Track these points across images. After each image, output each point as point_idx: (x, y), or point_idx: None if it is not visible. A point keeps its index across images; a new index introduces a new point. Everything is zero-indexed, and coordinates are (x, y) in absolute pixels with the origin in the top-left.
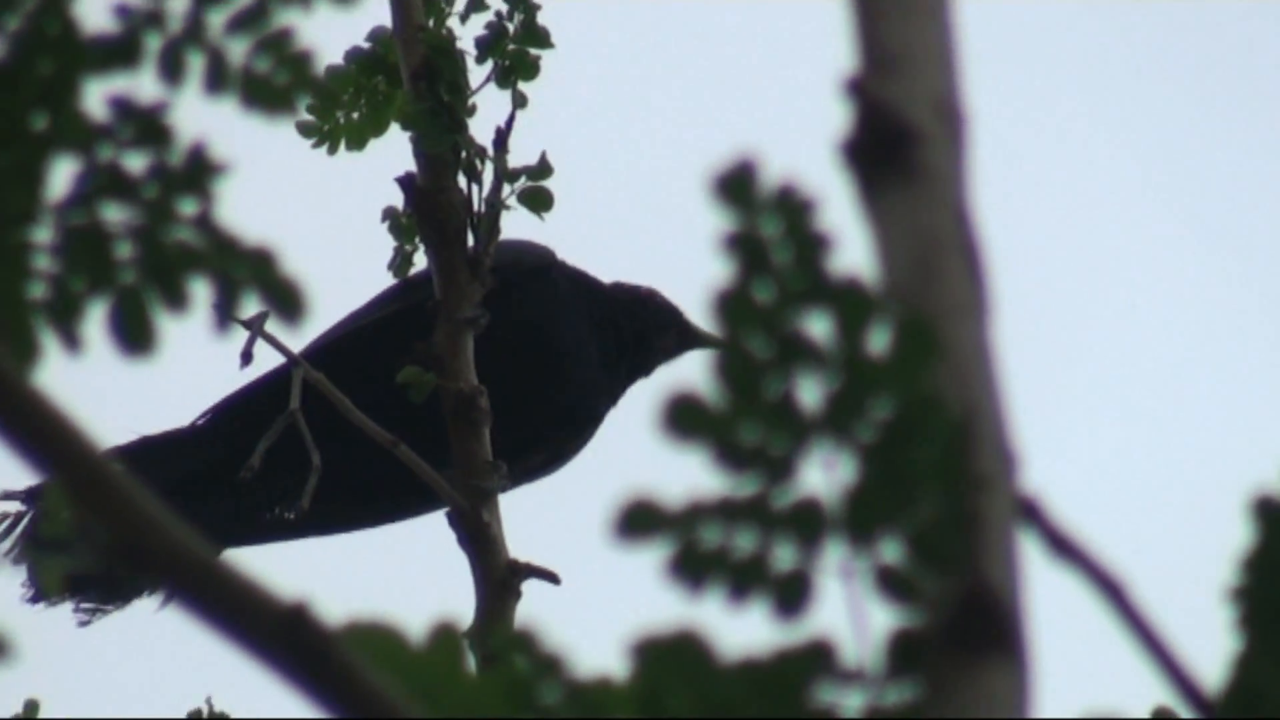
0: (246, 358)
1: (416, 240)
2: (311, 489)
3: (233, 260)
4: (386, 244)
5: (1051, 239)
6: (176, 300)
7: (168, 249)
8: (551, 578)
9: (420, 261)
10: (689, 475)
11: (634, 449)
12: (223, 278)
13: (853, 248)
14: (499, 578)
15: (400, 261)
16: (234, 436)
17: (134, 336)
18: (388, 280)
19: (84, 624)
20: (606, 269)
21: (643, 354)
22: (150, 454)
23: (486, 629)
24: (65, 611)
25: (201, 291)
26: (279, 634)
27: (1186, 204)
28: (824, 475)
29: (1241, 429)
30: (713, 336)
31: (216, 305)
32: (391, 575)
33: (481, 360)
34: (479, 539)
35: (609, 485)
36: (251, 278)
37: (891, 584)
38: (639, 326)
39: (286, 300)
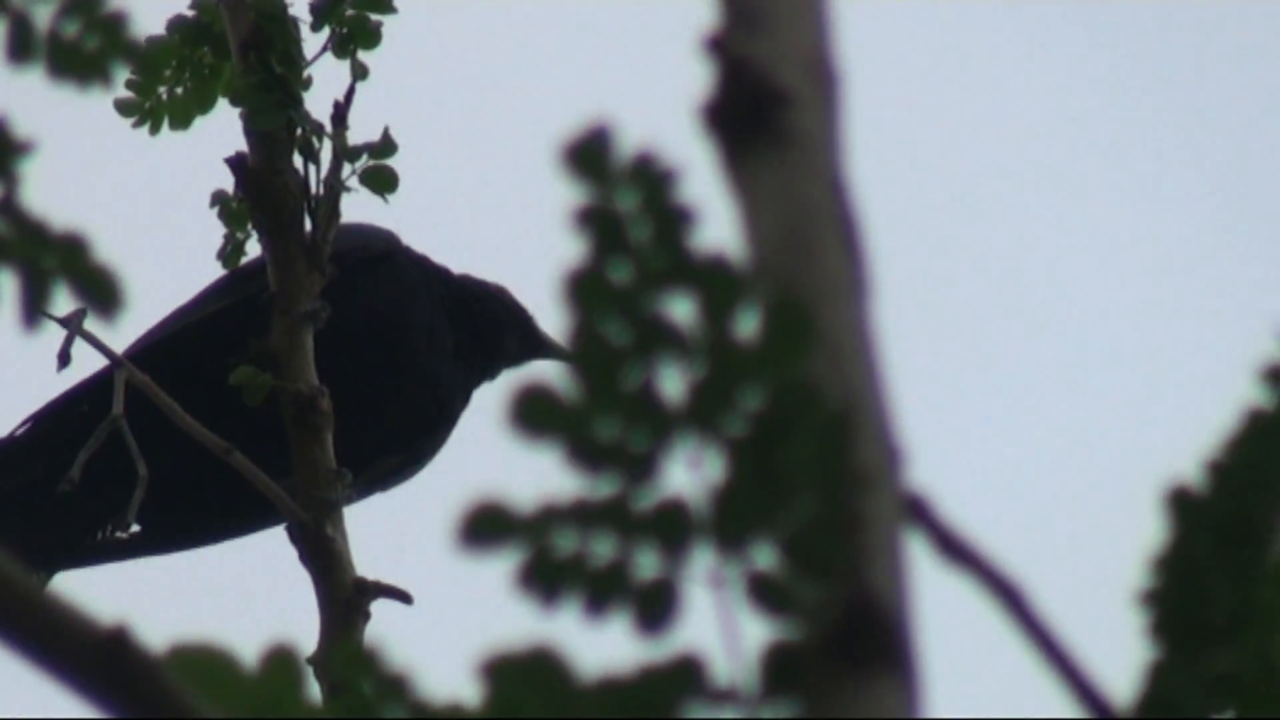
0: (64, 359)
1: (249, 227)
2: (138, 503)
3: (40, 248)
4: (216, 231)
5: (935, 210)
6: None
7: None
8: (403, 597)
9: (253, 250)
10: (541, 477)
11: (486, 454)
12: (29, 268)
13: (717, 222)
14: (344, 597)
15: (231, 251)
16: (55, 447)
17: None
18: (218, 271)
19: None
20: (455, 259)
21: (494, 352)
22: None
23: (331, 653)
24: None
25: (6, 284)
26: (97, 661)
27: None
28: (689, 474)
29: (1148, 414)
30: (559, 346)
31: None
32: (227, 597)
33: (322, 358)
34: (322, 555)
35: (462, 493)
36: (61, 268)
37: (765, 593)
38: (490, 322)
39: (101, 292)
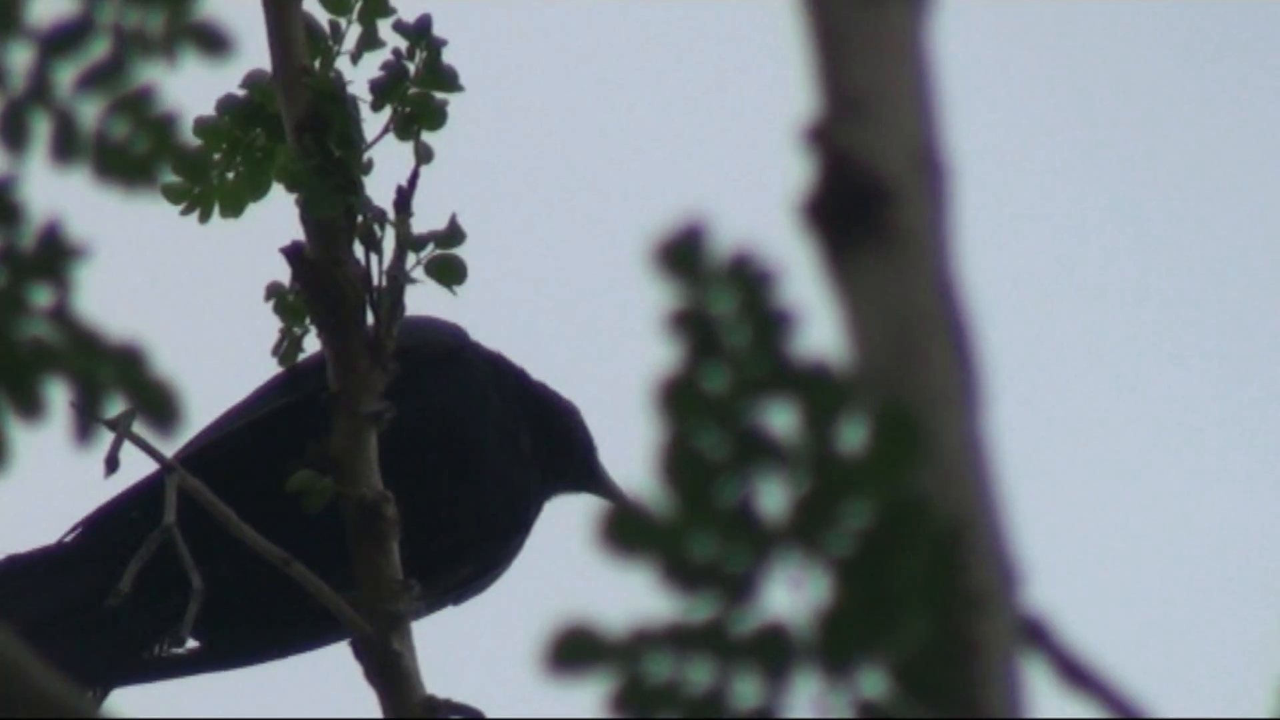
0: (112, 464)
1: (306, 321)
2: (193, 617)
3: (95, 360)
4: (271, 326)
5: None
6: (30, 407)
7: (19, 347)
8: (476, 716)
9: (312, 346)
10: (632, 598)
11: (566, 568)
12: (84, 380)
13: (819, 327)
14: (413, 717)
15: (288, 347)
16: (105, 557)
17: None
18: (274, 369)
19: None
20: (529, 359)
21: (567, 463)
22: (14, 576)
23: None
24: None
25: (59, 396)
26: None
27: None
28: (791, 595)
29: None
30: (616, 487)
31: (76, 405)
32: (290, 715)
33: (387, 461)
34: (389, 672)
35: (540, 606)
36: (117, 380)
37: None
38: (564, 431)
39: (158, 405)
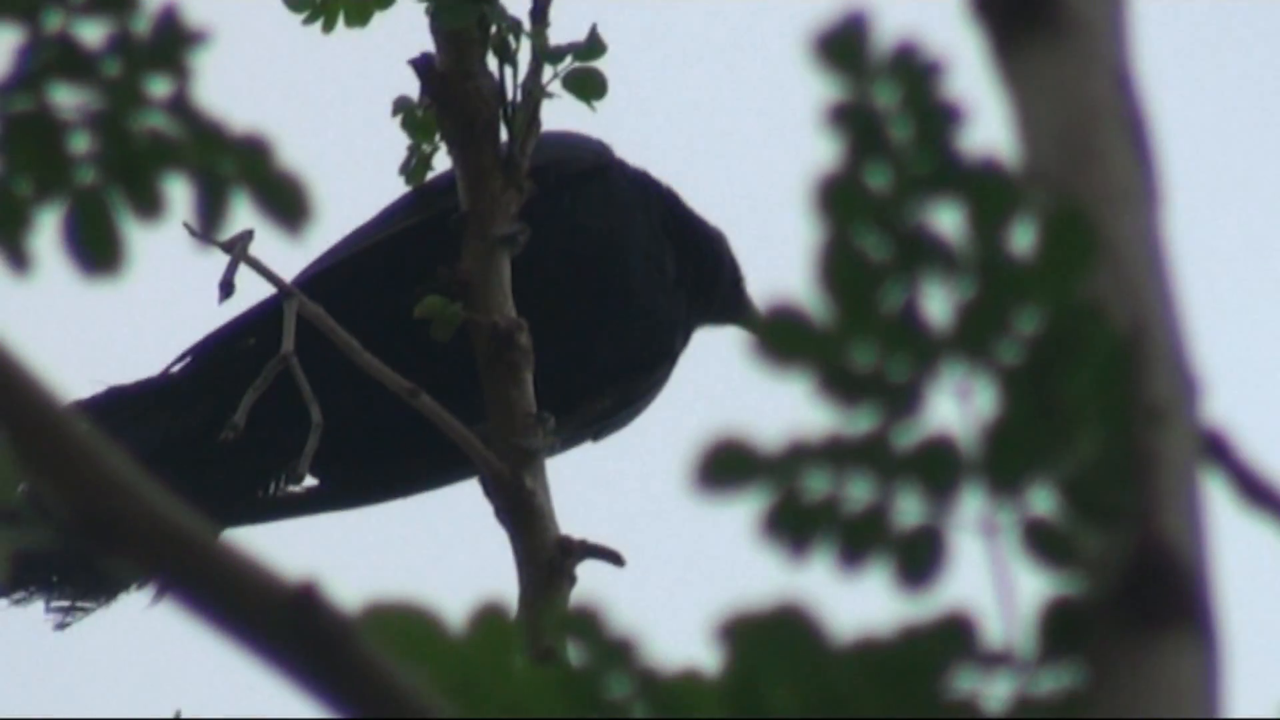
0: (227, 288)
1: (436, 138)
2: (311, 452)
3: (217, 153)
4: (399, 143)
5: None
6: (148, 204)
7: (135, 140)
8: (613, 558)
9: (442, 164)
10: (789, 414)
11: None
12: (205, 175)
13: (988, 122)
14: (547, 558)
15: (416, 165)
16: (218, 388)
17: (96, 249)
18: (401, 188)
19: (61, 626)
20: (678, 180)
21: (716, 289)
22: (118, 410)
23: (534, 620)
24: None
25: (179, 194)
26: (284, 621)
27: None
28: (957, 407)
29: None
30: (761, 318)
31: (189, 224)
32: (415, 557)
33: (522, 286)
34: (521, 511)
35: (685, 442)
36: (241, 175)
37: (1044, 542)
38: (713, 257)
39: (287, 203)
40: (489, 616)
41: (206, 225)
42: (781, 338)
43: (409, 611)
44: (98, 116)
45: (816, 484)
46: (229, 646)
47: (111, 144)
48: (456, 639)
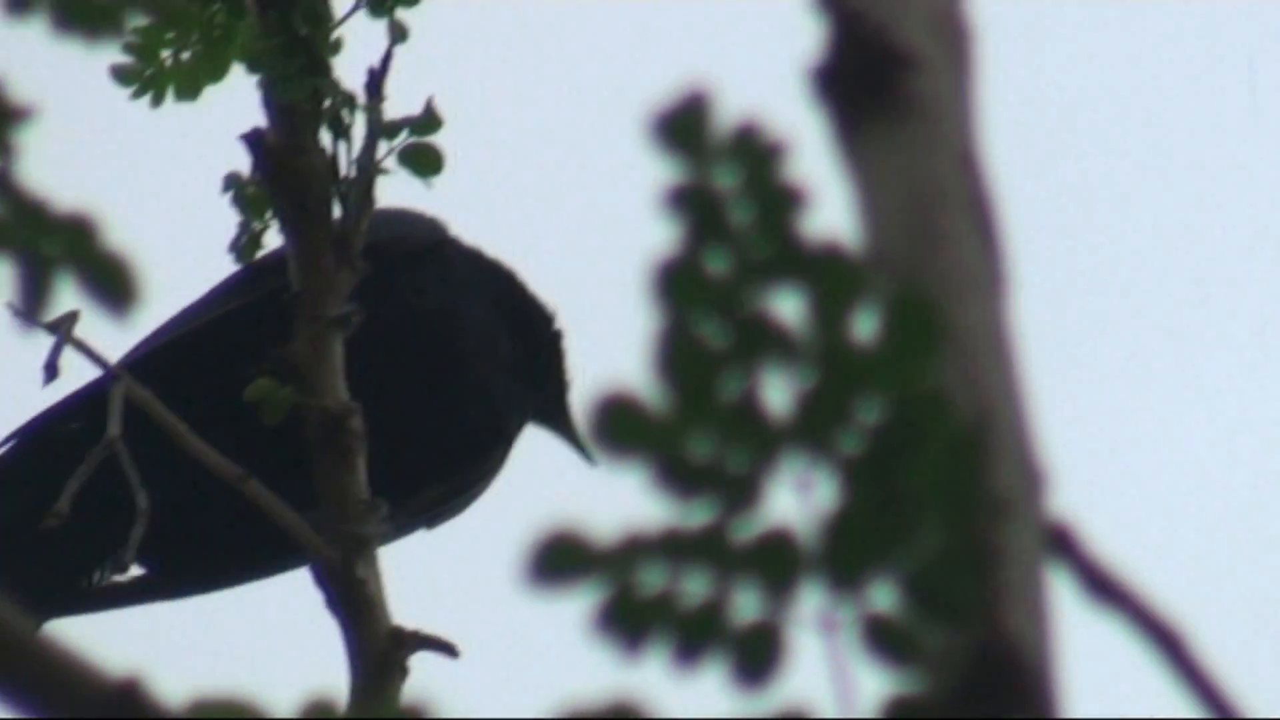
0: (52, 370)
1: (268, 215)
2: (138, 540)
3: (42, 232)
4: (229, 220)
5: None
6: None
7: None
8: (447, 649)
9: (274, 241)
10: (625, 506)
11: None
12: (29, 255)
13: (831, 205)
14: (379, 650)
15: (247, 242)
16: (41, 473)
17: None
18: (232, 267)
19: None
20: (515, 258)
21: (554, 372)
22: None
23: (364, 713)
24: None
25: (1, 273)
26: (107, 717)
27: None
28: (797, 499)
29: None
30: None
31: (12, 305)
32: (244, 648)
33: (354, 368)
34: (353, 600)
35: (522, 528)
36: (66, 254)
37: (885, 638)
38: (549, 347)
39: (113, 283)
40: (317, 711)
41: (30, 306)
42: (617, 427)
43: (234, 705)
44: None
45: (652, 578)
46: None
47: None
48: None
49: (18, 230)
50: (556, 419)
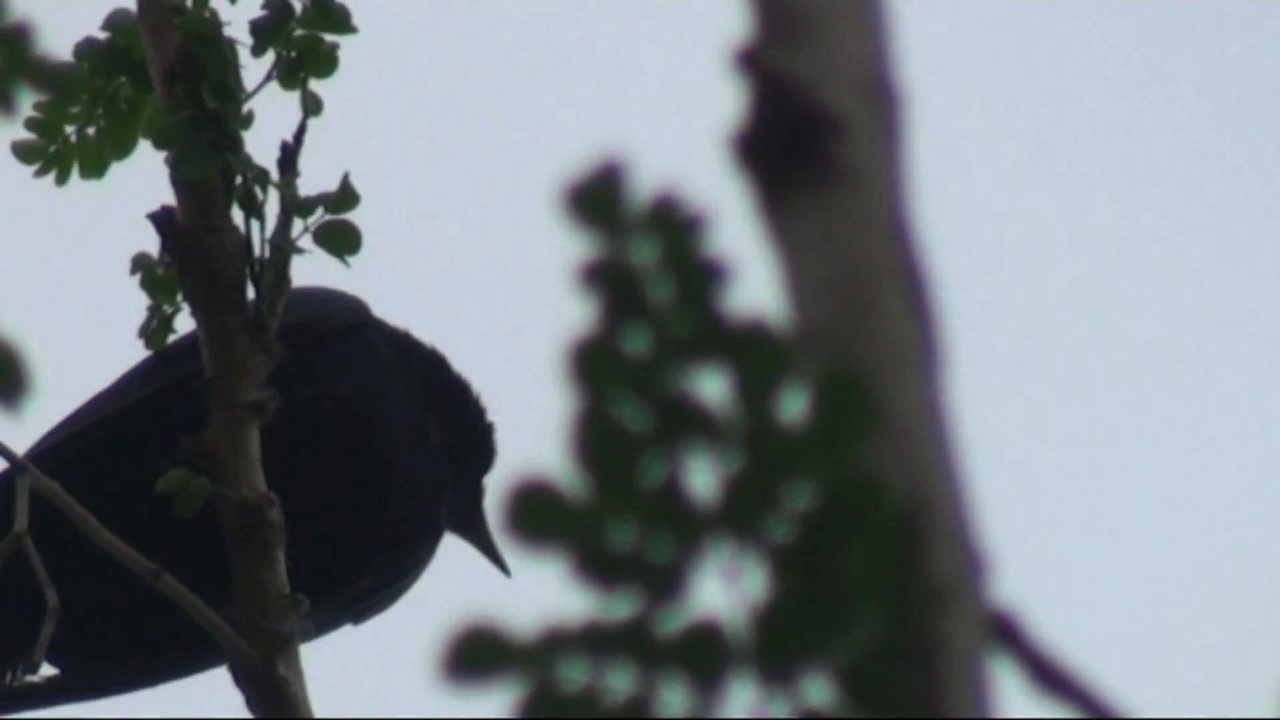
0: None
1: (178, 298)
2: (47, 638)
3: None
4: (139, 303)
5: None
6: None
7: None
8: None
9: (185, 325)
10: (545, 597)
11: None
12: None
13: (755, 279)
14: None
15: (157, 326)
16: None
17: None
18: (142, 352)
19: None
20: (439, 337)
21: (486, 457)
22: None
23: None
24: None
25: None
26: None
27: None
28: (725, 589)
29: None
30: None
31: None
32: None
33: (272, 457)
34: (274, 701)
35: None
36: None
37: None
38: (478, 432)
39: (3, 376)
40: None
41: None
42: (533, 516)
43: None
44: None
45: (574, 674)
46: None
47: None
48: None
49: None
50: (471, 524)
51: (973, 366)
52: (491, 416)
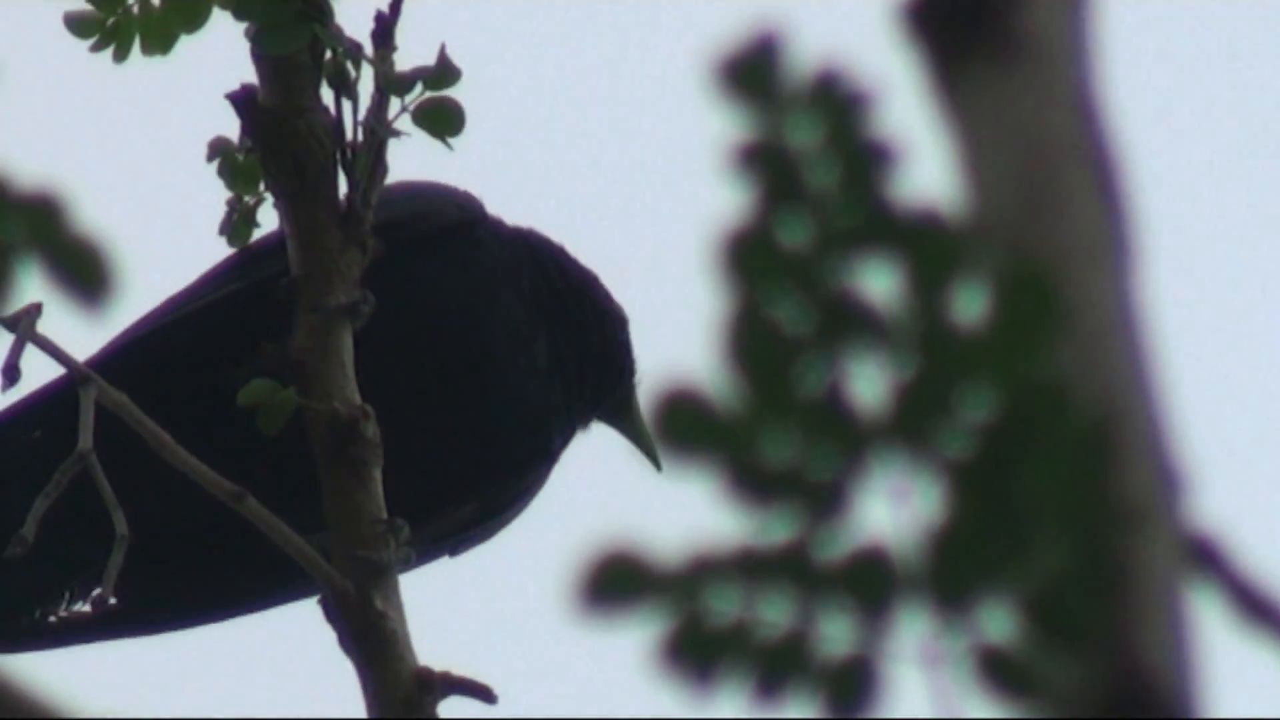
0: (10, 373)
1: (261, 187)
2: (116, 569)
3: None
4: (217, 195)
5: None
6: None
7: None
8: (483, 694)
9: (269, 220)
10: (691, 516)
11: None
12: None
13: (928, 163)
14: (403, 696)
15: (237, 220)
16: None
17: None
18: (222, 249)
19: None
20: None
21: (609, 377)
22: None
23: None
24: None
25: None
26: None
27: None
28: (892, 509)
29: None
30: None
31: None
32: (240, 695)
33: (366, 368)
34: (369, 638)
35: (564, 548)
36: (28, 237)
37: (999, 671)
38: (604, 348)
39: (84, 270)
40: None
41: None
42: (681, 428)
43: None
44: None
45: (724, 604)
46: None
47: None
48: None
49: None
50: (621, 417)
51: (1168, 260)
52: (628, 325)
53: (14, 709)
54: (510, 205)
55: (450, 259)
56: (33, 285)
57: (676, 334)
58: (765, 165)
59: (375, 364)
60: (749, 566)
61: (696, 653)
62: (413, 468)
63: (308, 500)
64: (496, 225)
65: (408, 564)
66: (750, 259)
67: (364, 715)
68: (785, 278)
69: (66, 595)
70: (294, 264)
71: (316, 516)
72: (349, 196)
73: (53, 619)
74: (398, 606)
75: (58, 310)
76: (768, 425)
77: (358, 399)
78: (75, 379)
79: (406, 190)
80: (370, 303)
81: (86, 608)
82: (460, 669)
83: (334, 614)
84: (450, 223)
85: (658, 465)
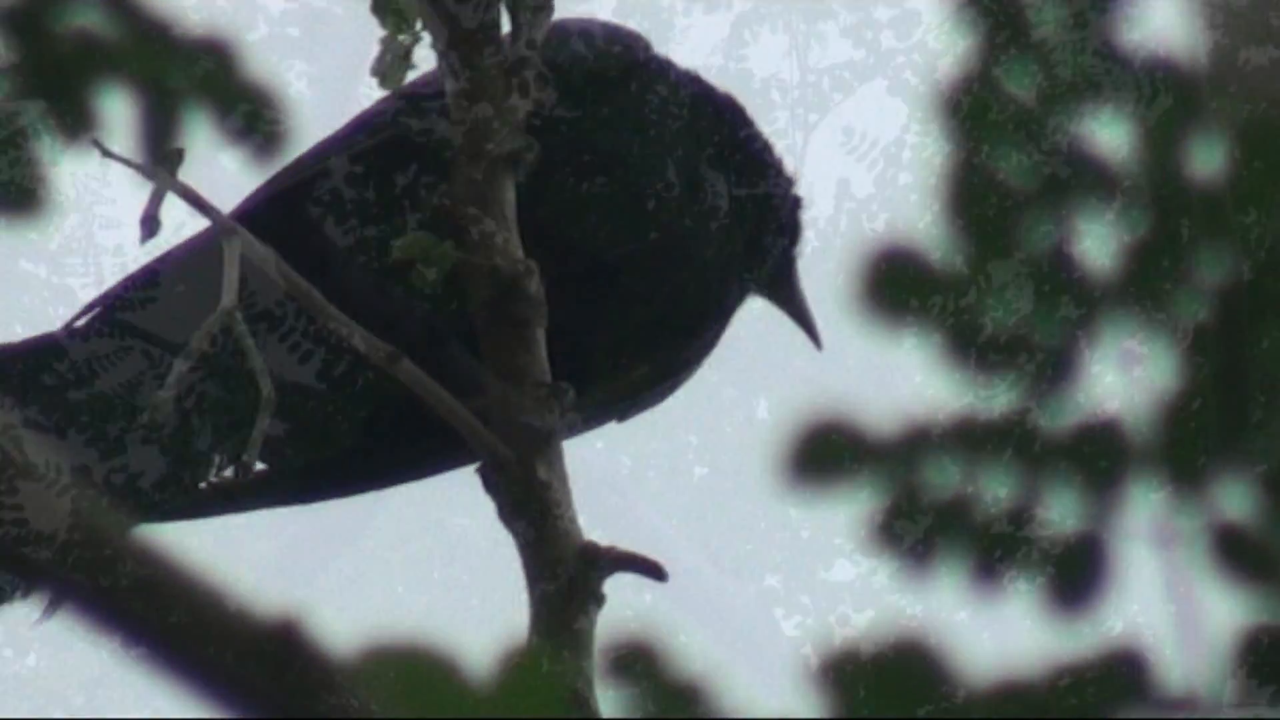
0: (150, 224)
1: (418, 27)
2: (261, 435)
3: (166, 60)
4: (371, 34)
5: None
6: (76, 123)
7: (62, 43)
8: (653, 571)
9: (425, 60)
10: (905, 387)
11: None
12: (153, 87)
13: (1161, 7)
14: (567, 571)
15: (393, 61)
16: (136, 349)
17: (12, 188)
18: (375, 93)
19: None
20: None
21: (783, 232)
22: (5, 374)
23: (550, 650)
24: None
25: (116, 109)
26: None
27: None
28: (1124, 376)
29: None
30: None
31: (98, 139)
32: (394, 567)
33: (530, 221)
34: (533, 509)
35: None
36: (199, 86)
37: (1238, 553)
38: (783, 195)
39: (255, 119)
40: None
41: (149, 149)
42: (894, 286)
43: (418, 658)
44: (16, 15)
45: (942, 477)
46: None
47: (32, 50)
48: (480, 692)
49: (139, 59)
50: (781, 288)
51: None
52: (795, 176)
53: (166, 581)
54: (675, 50)
55: (620, 103)
56: (201, 136)
57: (882, 189)
58: (987, 7)
59: (541, 217)
60: (968, 439)
61: (913, 529)
62: (580, 327)
63: (466, 362)
64: (664, 69)
65: (574, 430)
66: (970, 108)
67: (524, 590)
68: (1010, 128)
69: (216, 465)
70: (453, 110)
71: (476, 380)
72: (512, 38)
73: (203, 486)
74: (562, 475)
75: (216, 160)
76: (989, 285)
77: (520, 254)
78: (219, 231)
79: (573, 28)
80: (535, 150)
81: (238, 477)
82: (627, 544)
83: (494, 483)
84: (618, 66)
85: (818, 343)
